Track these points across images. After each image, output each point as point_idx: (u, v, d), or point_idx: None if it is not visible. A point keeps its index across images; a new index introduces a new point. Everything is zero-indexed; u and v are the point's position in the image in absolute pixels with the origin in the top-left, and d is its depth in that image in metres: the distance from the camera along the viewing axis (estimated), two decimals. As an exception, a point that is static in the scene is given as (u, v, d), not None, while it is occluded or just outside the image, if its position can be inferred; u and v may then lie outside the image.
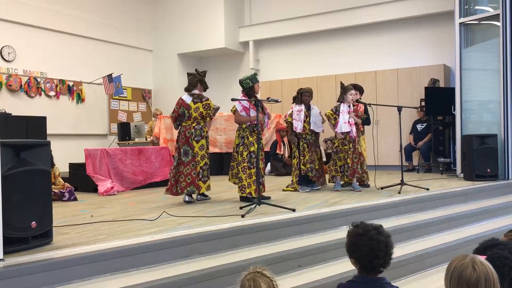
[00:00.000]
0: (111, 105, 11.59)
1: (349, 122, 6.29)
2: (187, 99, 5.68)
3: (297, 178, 6.44)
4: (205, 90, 5.87)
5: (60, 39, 10.48)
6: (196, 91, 5.73)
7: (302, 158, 6.40)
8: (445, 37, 9.63)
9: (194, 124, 5.59)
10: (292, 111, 6.50)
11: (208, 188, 5.68)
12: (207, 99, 5.73)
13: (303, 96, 6.50)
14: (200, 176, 5.55)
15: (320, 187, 6.54)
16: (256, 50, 12.20)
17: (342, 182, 6.57)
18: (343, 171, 6.41)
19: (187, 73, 5.97)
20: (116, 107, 11.71)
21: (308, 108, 6.47)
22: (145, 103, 12.45)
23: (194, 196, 5.79)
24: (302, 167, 6.38)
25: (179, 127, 5.72)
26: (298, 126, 6.38)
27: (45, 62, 10.13)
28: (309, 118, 6.44)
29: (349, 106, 6.38)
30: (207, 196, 5.86)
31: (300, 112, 6.41)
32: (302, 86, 10.17)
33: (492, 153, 7.17)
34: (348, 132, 6.32)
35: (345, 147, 6.35)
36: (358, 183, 6.44)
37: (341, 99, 6.48)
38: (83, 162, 7.30)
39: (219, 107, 5.87)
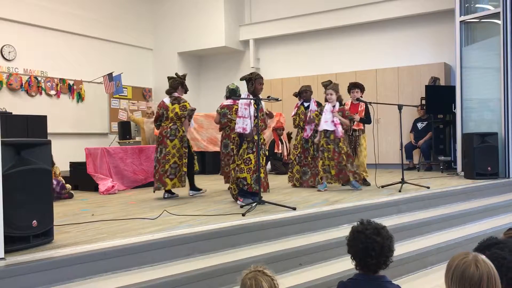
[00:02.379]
0: (112, 104, 11.60)
1: (333, 121, 6.16)
2: (167, 101, 6.09)
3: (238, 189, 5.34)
4: (185, 93, 6.25)
5: (60, 38, 10.48)
6: (176, 94, 6.11)
7: (253, 167, 5.20)
8: (446, 35, 9.63)
9: (170, 124, 5.96)
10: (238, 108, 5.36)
11: (174, 186, 5.90)
12: (185, 101, 6.10)
13: (256, 83, 5.33)
14: (168, 174, 5.85)
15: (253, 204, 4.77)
16: (256, 48, 12.19)
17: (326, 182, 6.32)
18: (326, 170, 6.24)
19: (168, 77, 6.33)
20: (116, 106, 11.72)
21: (258, 101, 5.15)
22: (146, 102, 12.45)
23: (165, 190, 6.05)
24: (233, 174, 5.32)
25: (160, 127, 6.07)
26: (247, 125, 5.16)
27: (45, 61, 10.12)
28: (262, 113, 5.42)
29: (334, 106, 6.25)
30: (174, 193, 6.09)
31: (249, 106, 5.23)
32: (303, 85, 10.24)
33: (492, 151, 7.17)
34: (332, 131, 6.18)
35: (329, 146, 6.20)
36: (357, 181, 6.32)
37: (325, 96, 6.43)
38: (83, 161, 7.31)
39: (195, 108, 6.22)
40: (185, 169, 5.96)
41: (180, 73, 6.45)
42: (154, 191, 6.04)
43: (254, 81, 5.33)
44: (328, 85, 6.48)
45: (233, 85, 6.92)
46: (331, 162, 6.20)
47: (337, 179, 6.24)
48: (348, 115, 6.41)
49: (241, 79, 5.50)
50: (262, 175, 5.21)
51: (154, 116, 6.19)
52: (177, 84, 6.14)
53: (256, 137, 5.16)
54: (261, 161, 5.28)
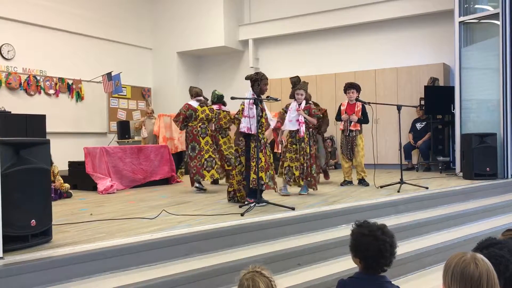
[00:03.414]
0: (111, 104, 11.59)
1: (297, 120, 5.92)
2: (194, 103, 6.79)
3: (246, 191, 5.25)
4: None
5: (59, 37, 10.47)
6: (201, 98, 6.89)
7: (252, 163, 5.10)
8: (445, 35, 9.64)
9: (200, 124, 6.67)
10: (243, 108, 5.29)
11: (212, 176, 6.65)
12: (210, 105, 7.05)
13: (262, 84, 5.31)
14: (204, 167, 6.55)
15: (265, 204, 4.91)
16: (255, 48, 12.20)
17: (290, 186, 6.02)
18: (287, 173, 5.90)
19: (192, 86, 7.24)
20: (115, 106, 11.71)
21: (260, 100, 5.23)
22: (145, 101, 12.45)
23: (202, 183, 6.79)
24: (254, 176, 5.03)
25: (186, 127, 6.76)
26: (253, 125, 5.12)
27: (44, 60, 10.12)
28: (265, 113, 5.38)
29: (299, 104, 5.99)
30: (203, 187, 6.74)
31: (254, 106, 5.15)
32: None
33: (491, 152, 7.17)
34: (296, 131, 5.93)
35: (294, 147, 5.95)
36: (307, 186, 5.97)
37: (292, 96, 6.11)
38: (82, 160, 7.30)
39: (219, 113, 7.24)
40: (219, 163, 6.75)
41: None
42: (193, 185, 6.67)
43: (260, 81, 5.30)
44: (297, 82, 6.25)
45: (219, 92, 7.69)
46: (295, 163, 5.89)
47: (299, 181, 5.89)
48: (315, 114, 6.09)
49: (247, 78, 5.43)
50: (272, 172, 5.25)
51: (180, 118, 6.71)
52: (201, 92, 7.02)
53: (260, 136, 5.15)
54: (268, 159, 5.28)
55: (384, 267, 2.23)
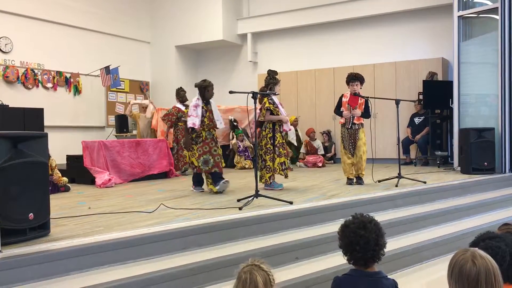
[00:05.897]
0: (109, 97, 11.56)
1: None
2: (182, 107, 8.32)
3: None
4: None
5: (57, 30, 10.42)
6: (187, 102, 8.19)
7: (198, 153, 5.77)
8: (444, 30, 9.62)
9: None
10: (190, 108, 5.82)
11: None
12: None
13: (207, 92, 5.87)
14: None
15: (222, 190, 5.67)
16: (254, 42, 12.15)
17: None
18: (285, 168, 5.94)
19: (180, 89, 8.59)
20: (113, 99, 11.68)
21: (207, 103, 5.87)
22: (143, 95, 12.41)
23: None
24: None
25: (176, 126, 8.28)
26: (196, 122, 5.69)
27: (42, 54, 10.07)
28: (211, 114, 5.84)
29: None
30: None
31: (197, 107, 5.77)
32: (300, 79, 10.21)
33: (489, 147, 7.18)
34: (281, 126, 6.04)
35: (283, 141, 5.99)
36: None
37: (270, 89, 5.98)
38: (80, 154, 7.29)
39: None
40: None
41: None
42: (185, 171, 8.36)
43: (208, 87, 5.89)
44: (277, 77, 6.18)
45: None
46: (285, 158, 6.01)
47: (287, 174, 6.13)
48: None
49: (196, 86, 5.96)
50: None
51: (173, 118, 8.25)
52: (186, 96, 8.50)
53: (204, 133, 5.80)
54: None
55: (363, 261, 2.21)
